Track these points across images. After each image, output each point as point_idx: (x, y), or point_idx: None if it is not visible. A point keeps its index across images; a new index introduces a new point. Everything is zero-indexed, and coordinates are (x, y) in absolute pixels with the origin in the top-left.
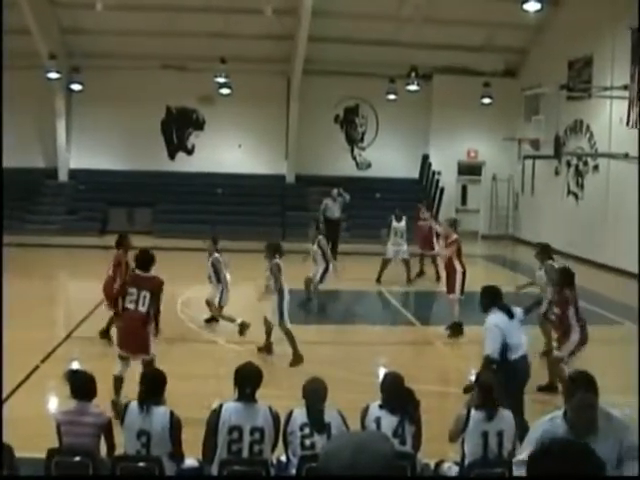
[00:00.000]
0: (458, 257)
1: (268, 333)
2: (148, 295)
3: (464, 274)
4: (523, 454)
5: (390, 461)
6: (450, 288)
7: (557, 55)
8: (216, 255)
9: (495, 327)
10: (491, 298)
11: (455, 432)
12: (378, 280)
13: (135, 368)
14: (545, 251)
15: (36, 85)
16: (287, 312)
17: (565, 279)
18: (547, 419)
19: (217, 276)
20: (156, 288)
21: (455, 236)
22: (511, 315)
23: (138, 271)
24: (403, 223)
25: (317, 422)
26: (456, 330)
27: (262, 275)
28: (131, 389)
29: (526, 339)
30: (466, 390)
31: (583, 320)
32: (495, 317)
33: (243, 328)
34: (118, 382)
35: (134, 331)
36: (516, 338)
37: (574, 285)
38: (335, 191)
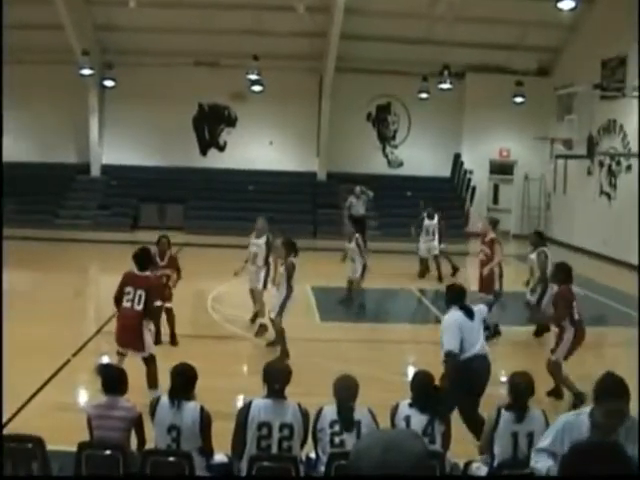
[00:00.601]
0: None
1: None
2: (144, 294)
3: (501, 276)
4: (543, 442)
5: (421, 459)
6: (486, 289)
7: (591, 54)
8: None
9: (453, 323)
10: (453, 296)
11: (486, 436)
12: (422, 276)
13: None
14: (539, 237)
15: (69, 81)
16: (286, 311)
17: (564, 275)
18: (572, 413)
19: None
20: (151, 287)
21: (493, 235)
22: (471, 315)
23: (135, 270)
24: (435, 221)
25: (347, 420)
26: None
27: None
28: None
29: (486, 348)
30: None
31: (579, 318)
32: (454, 314)
33: (261, 330)
34: None
35: (130, 329)
36: (472, 338)
37: (572, 281)
38: (358, 188)
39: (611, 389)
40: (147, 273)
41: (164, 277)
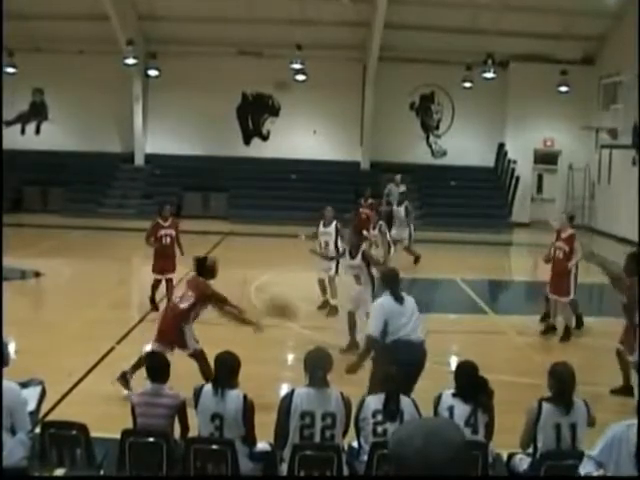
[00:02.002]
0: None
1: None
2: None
3: (576, 275)
4: (593, 451)
5: (460, 450)
6: (563, 290)
7: (636, 43)
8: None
9: (379, 307)
10: (386, 282)
11: (527, 430)
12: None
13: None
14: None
15: (114, 71)
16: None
17: (636, 265)
18: (626, 423)
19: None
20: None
21: (571, 231)
22: (400, 300)
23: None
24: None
25: (393, 408)
26: (568, 335)
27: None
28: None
29: (418, 333)
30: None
31: None
32: (382, 299)
33: (332, 310)
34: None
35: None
36: (399, 322)
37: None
38: (398, 177)
39: None
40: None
41: (168, 237)
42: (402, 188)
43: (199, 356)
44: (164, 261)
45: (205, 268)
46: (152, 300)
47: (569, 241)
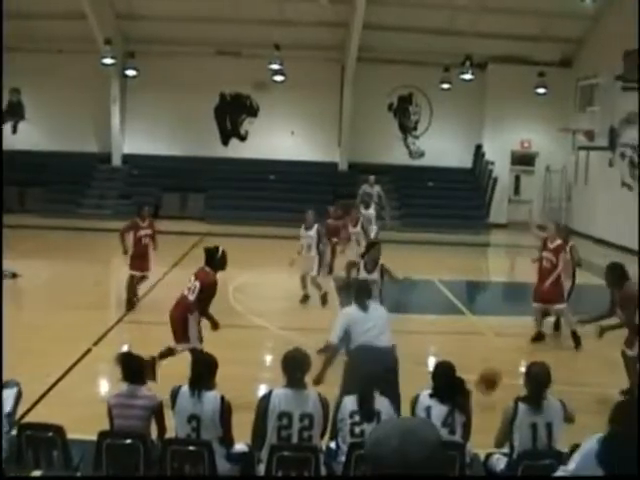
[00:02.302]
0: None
1: None
2: (198, 286)
3: (573, 283)
4: (568, 466)
5: (437, 449)
6: (557, 297)
7: (613, 45)
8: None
9: (342, 315)
10: (355, 291)
11: (503, 429)
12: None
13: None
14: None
15: (91, 70)
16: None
17: (621, 276)
18: (596, 438)
19: None
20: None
21: (559, 242)
22: (364, 308)
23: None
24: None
25: (368, 410)
26: (577, 339)
27: None
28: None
29: (384, 339)
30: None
31: None
32: (347, 308)
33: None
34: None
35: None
36: (361, 329)
37: (628, 278)
38: (372, 177)
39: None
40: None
41: (147, 237)
42: (376, 189)
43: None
44: (141, 260)
45: (215, 259)
46: (130, 299)
47: (556, 252)
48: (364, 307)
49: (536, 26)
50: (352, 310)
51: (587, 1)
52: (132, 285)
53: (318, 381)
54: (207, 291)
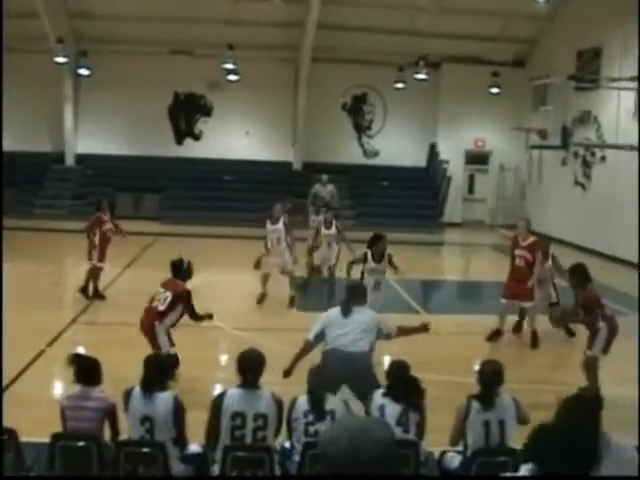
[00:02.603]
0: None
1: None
2: (170, 297)
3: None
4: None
5: (389, 448)
6: (527, 295)
7: (566, 46)
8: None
9: (323, 316)
10: (348, 295)
11: (457, 426)
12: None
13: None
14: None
15: (44, 69)
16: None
17: (584, 277)
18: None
19: None
20: (177, 294)
21: (533, 238)
22: (346, 313)
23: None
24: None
25: (318, 409)
26: (536, 340)
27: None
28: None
29: (357, 347)
30: None
31: (611, 313)
32: (330, 310)
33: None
34: None
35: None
36: (337, 332)
37: (590, 280)
38: (325, 177)
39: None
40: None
41: (110, 231)
42: (329, 188)
43: None
44: (104, 252)
45: (182, 270)
46: (96, 291)
47: (531, 249)
48: (346, 311)
49: (490, 26)
50: (333, 312)
51: (540, 2)
52: (94, 278)
53: (287, 374)
54: (182, 299)
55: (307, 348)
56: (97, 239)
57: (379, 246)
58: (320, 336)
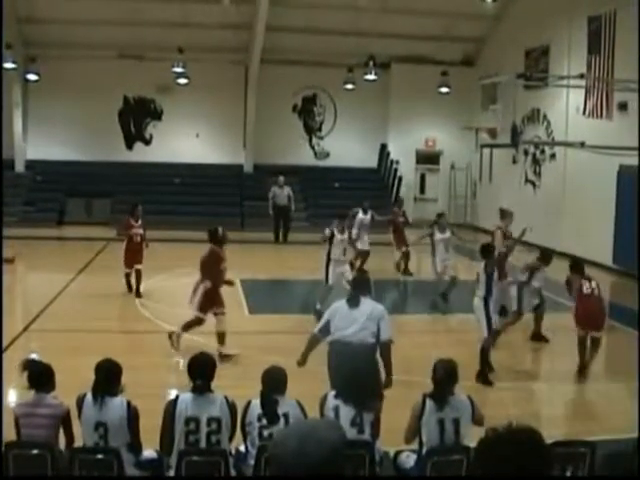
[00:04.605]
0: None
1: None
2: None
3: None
4: None
5: (337, 449)
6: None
7: (514, 44)
8: None
9: (330, 309)
10: (353, 287)
11: (412, 425)
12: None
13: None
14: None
15: None
16: None
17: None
18: None
19: None
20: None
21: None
22: (353, 305)
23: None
24: (369, 216)
25: (270, 413)
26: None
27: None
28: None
29: (359, 336)
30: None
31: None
32: (337, 302)
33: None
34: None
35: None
36: (343, 325)
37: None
38: (281, 178)
39: None
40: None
41: (138, 236)
42: (287, 190)
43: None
44: (133, 255)
45: (217, 236)
46: (130, 289)
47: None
48: (352, 303)
49: (438, 26)
50: (339, 304)
51: (488, 1)
52: (127, 279)
53: (300, 363)
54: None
55: (312, 340)
56: (124, 243)
57: (441, 220)
58: (325, 328)
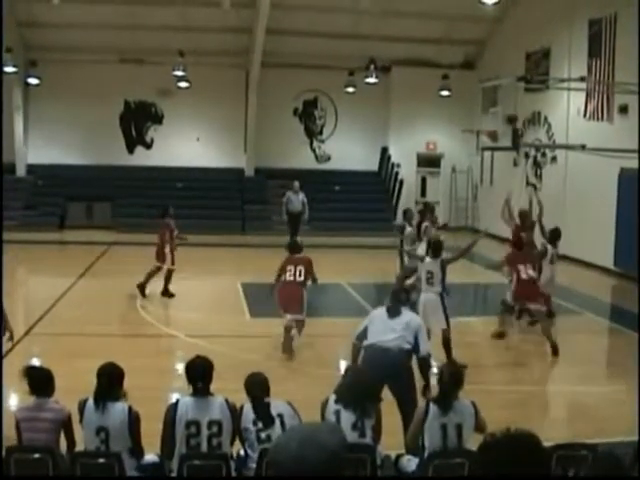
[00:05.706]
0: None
1: None
2: (303, 269)
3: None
4: None
5: (336, 453)
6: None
7: (515, 47)
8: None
9: (369, 315)
10: (393, 297)
11: (414, 430)
12: None
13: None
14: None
15: None
16: None
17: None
18: None
19: None
20: (307, 264)
21: None
22: (392, 314)
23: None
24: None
25: (264, 416)
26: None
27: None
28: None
29: (396, 343)
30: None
31: None
32: (378, 309)
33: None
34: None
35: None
36: (379, 331)
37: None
38: (297, 184)
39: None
40: (303, 254)
41: (179, 238)
42: (301, 196)
43: (301, 324)
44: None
45: (298, 247)
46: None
47: None
48: (392, 312)
49: (438, 29)
50: (378, 311)
51: (488, 4)
52: (169, 277)
53: None
54: (310, 266)
55: (354, 350)
56: (169, 243)
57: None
58: (363, 334)
